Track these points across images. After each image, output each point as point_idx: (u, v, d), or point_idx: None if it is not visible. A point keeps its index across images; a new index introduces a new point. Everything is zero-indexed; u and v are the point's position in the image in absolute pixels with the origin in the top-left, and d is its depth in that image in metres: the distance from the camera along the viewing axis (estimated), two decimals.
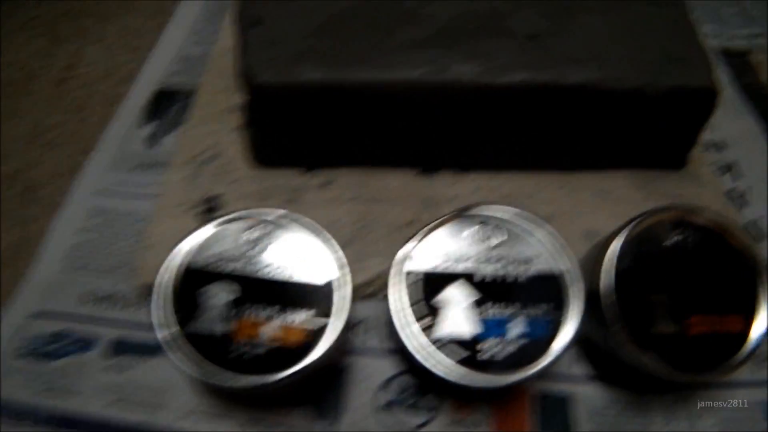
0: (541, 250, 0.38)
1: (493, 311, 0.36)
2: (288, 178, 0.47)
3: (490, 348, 0.35)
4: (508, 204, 0.44)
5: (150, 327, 0.42)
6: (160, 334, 0.35)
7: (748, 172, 0.54)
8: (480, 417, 0.40)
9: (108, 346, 0.43)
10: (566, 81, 0.43)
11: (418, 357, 0.35)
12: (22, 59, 0.61)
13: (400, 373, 0.41)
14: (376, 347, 0.42)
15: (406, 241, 0.38)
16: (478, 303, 0.36)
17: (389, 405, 0.40)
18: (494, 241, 0.38)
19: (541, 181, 0.48)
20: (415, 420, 0.40)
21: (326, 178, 0.47)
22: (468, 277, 0.37)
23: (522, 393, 0.41)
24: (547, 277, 0.37)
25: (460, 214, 0.39)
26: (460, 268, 0.37)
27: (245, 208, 0.39)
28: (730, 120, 0.58)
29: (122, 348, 0.43)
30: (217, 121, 0.51)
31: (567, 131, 0.46)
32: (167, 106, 0.56)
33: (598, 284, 0.38)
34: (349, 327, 0.40)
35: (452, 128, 0.45)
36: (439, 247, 0.38)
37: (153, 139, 0.53)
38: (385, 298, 0.44)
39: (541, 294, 0.37)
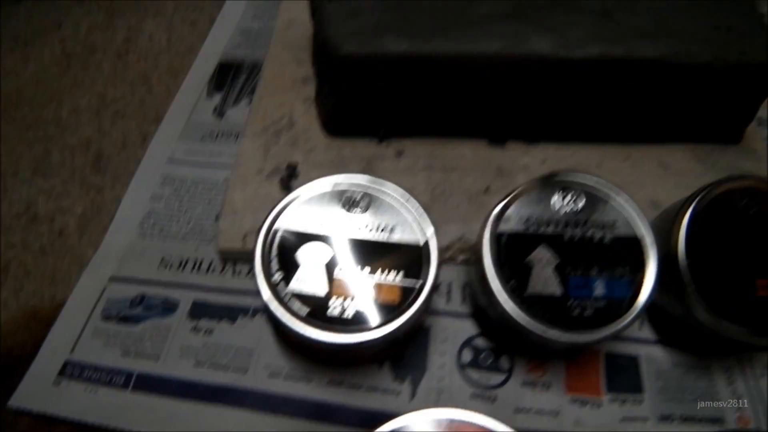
0: (620, 216, 0.39)
1: (578, 272, 0.37)
2: (362, 148, 0.48)
3: (576, 307, 0.37)
4: None
5: (232, 291, 0.44)
6: (265, 294, 0.36)
7: None
8: (553, 377, 0.41)
9: (190, 309, 0.43)
10: (638, 55, 0.44)
11: (512, 314, 0.36)
12: (81, 33, 0.62)
13: (478, 335, 0.42)
14: (454, 310, 0.43)
15: (497, 204, 0.39)
16: (564, 264, 0.38)
17: (468, 365, 0.41)
18: (577, 206, 0.39)
19: (607, 152, 0.49)
20: (493, 380, 0.41)
21: (399, 147, 0.48)
22: (554, 240, 0.38)
23: (594, 354, 0.43)
24: (626, 242, 0.38)
25: (545, 180, 0.40)
26: (548, 230, 0.38)
27: (332, 175, 0.40)
28: None
29: (204, 311, 0.43)
30: (288, 92, 0.51)
31: (634, 104, 0.47)
32: (233, 77, 0.56)
33: (671, 249, 0.39)
34: (435, 289, 0.41)
35: (525, 100, 0.46)
36: (526, 211, 0.39)
37: (221, 109, 0.54)
38: (463, 262, 0.45)
39: (620, 257, 0.38)
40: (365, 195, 0.39)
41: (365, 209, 0.38)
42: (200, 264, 0.45)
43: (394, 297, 0.36)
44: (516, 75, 0.44)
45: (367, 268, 0.37)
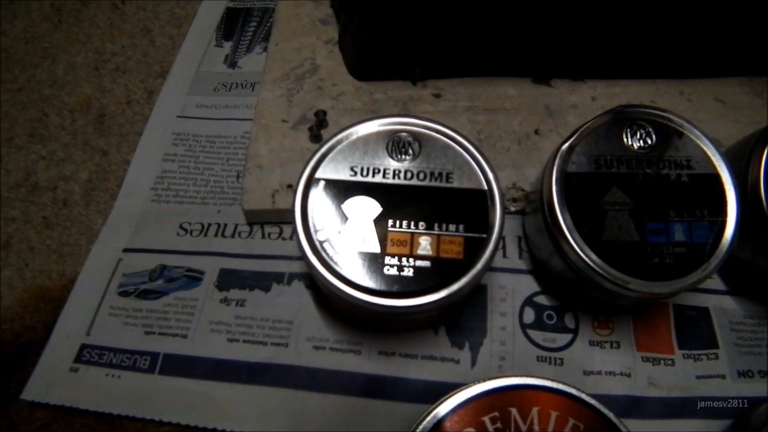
0: (695, 153, 0.33)
1: (655, 216, 0.31)
2: (395, 90, 0.41)
3: (656, 254, 0.30)
4: None
5: (263, 256, 0.37)
6: (308, 254, 0.29)
7: None
8: (622, 335, 0.35)
9: (217, 279, 0.36)
10: None
11: (590, 264, 0.30)
12: None
13: (539, 293, 0.36)
14: (512, 265, 0.36)
15: (563, 143, 0.32)
16: (639, 207, 0.31)
17: (531, 326, 0.35)
18: (650, 143, 0.33)
19: (659, 88, 0.42)
20: (559, 341, 0.34)
21: (436, 88, 0.41)
22: (627, 180, 0.32)
23: (663, 307, 0.37)
24: (704, 180, 0.32)
25: (615, 114, 0.33)
26: (620, 170, 0.32)
27: (377, 117, 0.33)
28: None
29: (233, 281, 0.36)
30: (307, 34, 0.44)
31: (686, 34, 0.40)
32: (244, 23, 0.48)
33: (751, 188, 0.33)
34: (500, 241, 0.35)
35: (571, 29, 0.39)
36: (595, 149, 0.32)
37: (233, 57, 0.46)
38: (517, 213, 0.38)
39: (699, 198, 0.32)
40: (414, 138, 0.32)
41: (416, 154, 0.31)
42: (224, 228, 0.38)
43: (457, 252, 0.29)
44: (560, 1, 0.37)
45: (423, 221, 0.30)
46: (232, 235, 0.37)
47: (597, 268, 0.30)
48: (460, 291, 0.28)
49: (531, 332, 0.34)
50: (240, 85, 0.44)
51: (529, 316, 0.35)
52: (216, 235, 0.37)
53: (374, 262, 0.28)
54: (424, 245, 0.29)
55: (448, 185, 0.31)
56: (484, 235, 0.30)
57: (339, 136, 0.31)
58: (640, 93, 0.42)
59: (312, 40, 0.43)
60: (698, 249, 0.30)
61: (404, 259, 0.29)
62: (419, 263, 0.29)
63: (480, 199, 0.30)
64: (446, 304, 0.29)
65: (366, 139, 0.32)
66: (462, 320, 0.34)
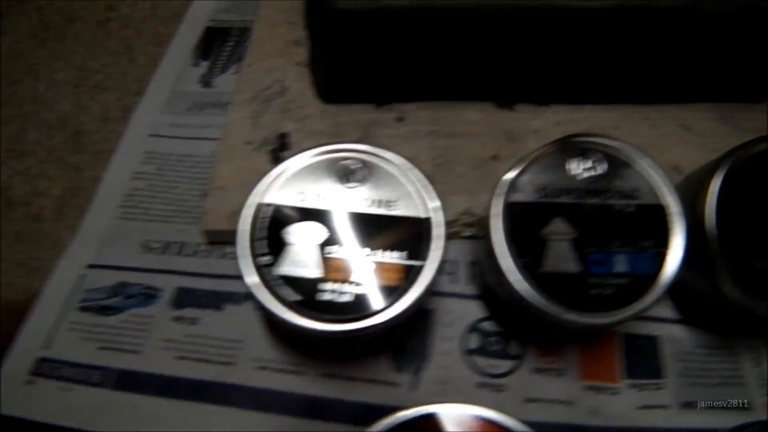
0: (643, 183, 0.33)
1: (598, 246, 0.31)
2: (359, 114, 0.41)
3: (596, 285, 0.30)
4: None
5: (219, 276, 0.38)
6: (248, 278, 0.30)
7: None
8: (567, 363, 0.35)
9: (173, 297, 0.37)
10: (661, 3, 0.37)
11: (525, 295, 0.30)
12: (60, 1, 0.54)
13: (486, 318, 0.36)
14: (460, 290, 0.37)
15: (507, 171, 0.33)
16: (582, 238, 0.31)
17: (475, 352, 0.35)
18: (596, 173, 0.33)
19: (624, 113, 0.42)
20: (502, 367, 0.34)
21: (400, 112, 0.41)
22: (572, 210, 0.32)
23: (612, 335, 0.36)
24: (650, 211, 0.32)
25: (562, 143, 0.33)
26: (565, 200, 0.32)
27: (326, 144, 0.33)
28: None
29: (189, 299, 0.36)
30: (280, 56, 0.44)
31: (653, 59, 0.40)
32: (221, 43, 0.49)
33: (699, 218, 0.33)
34: (440, 268, 0.35)
35: (535, 56, 0.39)
36: (541, 178, 0.33)
37: (208, 77, 0.47)
38: (470, 238, 0.39)
39: (644, 228, 0.32)
40: (363, 165, 0.32)
41: (363, 181, 0.32)
42: (185, 247, 0.39)
43: (396, 278, 0.29)
44: (525, 28, 0.37)
45: (366, 247, 0.30)
46: (192, 254, 0.38)
47: (532, 300, 0.30)
48: (396, 318, 0.29)
49: (474, 358, 0.34)
50: (213, 105, 0.44)
51: (474, 341, 0.35)
52: (177, 253, 0.38)
53: (315, 287, 0.29)
54: (365, 271, 0.30)
55: (391, 212, 0.31)
56: (424, 263, 0.30)
57: (290, 161, 0.32)
58: (605, 118, 0.42)
59: (283, 62, 0.44)
60: (640, 280, 0.30)
61: (344, 285, 0.29)
62: (357, 290, 0.29)
63: (421, 226, 0.31)
64: (384, 330, 0.29)
65: (316, 165, 0.32)
66: (406, 344, 0.35)
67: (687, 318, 0.37)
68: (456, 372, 0.34)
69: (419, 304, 0.29)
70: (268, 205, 0.31)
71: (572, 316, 0.30)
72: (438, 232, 0.31)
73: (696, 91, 0.43)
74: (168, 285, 0.37)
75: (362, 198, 0.31)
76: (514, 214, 0.32)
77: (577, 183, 0.33)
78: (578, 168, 0.33)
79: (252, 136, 0.40)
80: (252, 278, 0.29)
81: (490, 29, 0.37)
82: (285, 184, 0.31)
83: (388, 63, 0.39)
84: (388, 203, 0.31)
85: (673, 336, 0.36)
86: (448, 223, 0.36)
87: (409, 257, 0.30)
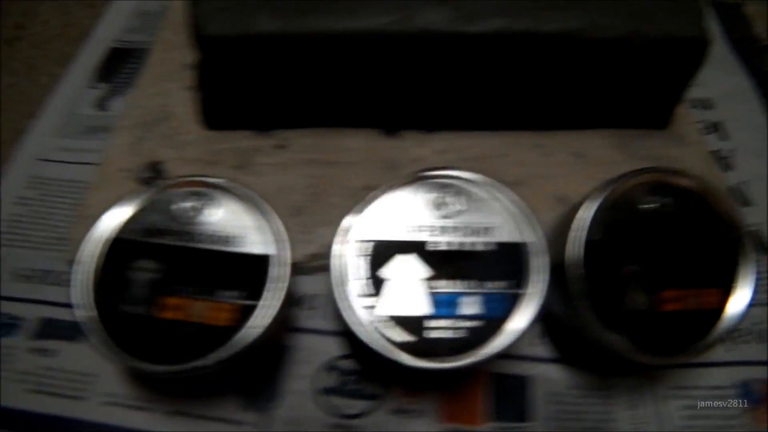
0: (504, 219, 0.32)
1: (446, 287, 0.30)
2: (239, 141, 0.40)
3: (439, 328, 0.29)
4: (477, 166, 0.38)
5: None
6: (79, 315, 0.29)
7: (735, 132, 0.47)
8: (428, 404, 0.34)
9: (36, 328, 0.36)
10: (545, 29, 0.36)
11: (361, 336, 0.29)
12: None
13: (345, 356, 0.35)
14: (321, 326, 0.36)
15: (354, 208, 0.32)
16: (430, 277, 0.30)
17: (330, 390, 0.34)
18: (452, 209, 0.32)
19: (515, 140, 0.41)
20: (358, 407, 0.34)
21: (281, 140, 0.40)
22: (420, 248, 0.31)
23: (476, 375, 0.35)
24: (508, 249, 0.31)
25: (416, 178, 0.32)
26: (413, 237, 0.31)
27: (183, 176, 0.33)
28: (719, 76, 0.50)
29: (50, 330, 0.36)
30: (170, 80, 0.44)
31: (543, 86, 0.39)
32: (121, 65, 0.49)
33: (562, 257, 0.32)
34: (290, 304, 0.34)
35: (419, 83, 0.38)
36: (390, 214, 0.32)
37: (104, 100, 0.47)
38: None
39: (500, 268, 0.31)
40: (212, 199, 0.32)
41: (209, 217, 0.31)
42: (52, 276, 0.38)
43: (231, 317, 0.29)
44: (406, 54, 0.36)
45: (201, 286, 0.30)
46: (60, 284, 0.37)
47: (371, 345, 0.29)
48: (232, 354, 0.28)
49: (326, 398, 0.34)
50: (105, 130, 0.44)
51: (328, 380, 0.34)
52: (46, 282, 0.38)
53: (149, 325, 0.29)
54: (203, 310, 0.29)
55: (231, 252, 0.30)
56: (261, 301, 0.29)
57: (139, 195, 0.31)
58: (494, 145, 0.41)
59: (174, 87, 0.43)
60: (490, 324, 0.30)
61: (181, 321, 0.29)
62: (195, 327, 0.29)
63: (261, 266, 0.30)
64: (223, 367, 0.29)
65: (163, 199, 0.32)
66: (259, 378, 0.34)
67: (562, 357, 0.36)
68: (307, 412, 0.33)
69: (255, 343, 0.29)
70: (110, 239, 0.30)
71: (412, 362, 0.29)
72: (279, 271, 0.30)
73: (591, 118, 0.42)
74: (32, 315, 0.36)
75: (207, 234, 0.31)
76: (357, 252, 0.31)
77: (430, 219, 0.32)
78: (432, 203, 0.32)
79: (130, 163, 0.39)
80: (83, 316, 0.29)
81: (365, 56, 0.36)
82: (129, 218, 0.31)
83: (266, 89, 0.38)
84: (230, 239, 0.30)
85: (546, 376, 0.35)
86: (315, 256, 0.36)
87: (247, 296, 0.29)
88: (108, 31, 0.50)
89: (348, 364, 0.35)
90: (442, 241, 0.31)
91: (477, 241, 0.31)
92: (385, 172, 0.39)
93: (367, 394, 0.34)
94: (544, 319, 0.37)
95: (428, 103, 0.39)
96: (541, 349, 0.36)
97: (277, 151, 0.39)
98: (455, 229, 0.31)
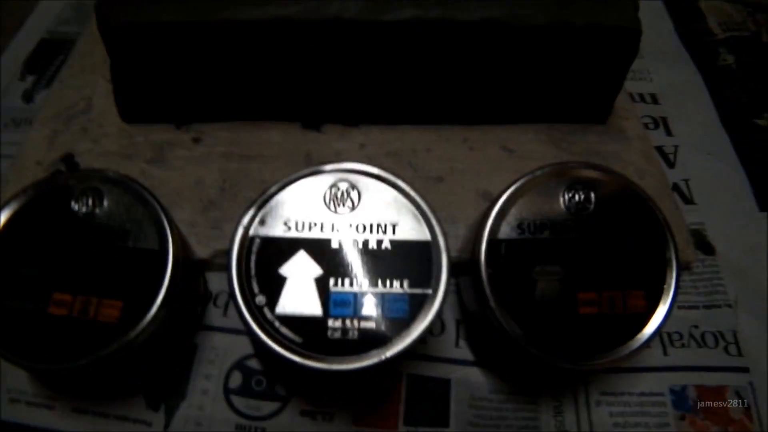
0: (406, 216, 0.30)
1: (346, 286, 0.29)
2: (156, 134, 0.39)
3: (338, 328, 0.28)
4: (398, 160, 0.37)
5: None
6: None
7: (680, 127, 0.45)
8: (336, 407, 0.32)
9: None
10: (462, 17, 0.34)
11: (258, 336, 0.28)
12: None
13: (252, 355, 0.34)
14: (231, 325, 0.35)
15: (251, 203, 0.30)
16: (329, 275, 0.29)
17: (239, 390, 0.33)
18: (351, 204, 0.31)
19: (441, 134, 0.40)
20: (265, 409, 0.32)
21: (198, 133, 0.39)
22: (319, 245, 0.30)
23: (393, 377, 0.34)
24: (410, 247, 0.30)
25: (315, 172, 0.31)
26: (313, 234, 0.30)
27: (75, 170, 0.32)
28: (668, 71, 0.49)
29: None
30: (95, 72, 0.42)
31: (467, 78, 0.38)
32: (52, 56, 0.48)
33: (477, 255, 0.31)
34: (192, 301, 0.33)
35: (336, 74, 0.37)
36: (288, 211, 0.30)
37: (31, 92, 0.45)
38: None
39: (401, 267, 0.29)
40: (103, 194, 0.30)
41: (94, 211, 0.30)
42: None
43: (117, 314, 0.28)
44: (319, 44, 0.35)
45: (96, 278, 0.28)
46: None
47: (266, 344, 0.28)
48: (114, 358, 0.27)
49: (234, 398, 0.32)
50: (28, 122, 0.42)
51: (236, 380, 0.33)
52: None
53: (37, 319, 0.28)
54: (85, 307, 0.28)
55: (123, 244, 0.29)
56: (156, 296, 0.28)
57: (29, 191, 0.30)
58: (419, 139, 0.39)
59: (97, 79, 0.42)
60: (390, 324, 0.28)
61: (68, 317, 0.28)
62: (77, 326, 0.28)
63: (151, 260, 0.29)
64: (112, 365, 0.27)
65: (60, 192, 0.30)
66: (162, 381, 0.33)
67: (483, 360, 0.35)
68: (213, 413, 0.32)
69: (143, 341, 0.28)
70: None
71: (311, 362, 0.27)
72: (170, 267, 0.29)
73: (523, 111, 0.40)
74: None
75: (93, 230, 0.29)
76: (253, 248, 0.29)
77: (329, 215, 0.30)
78: (331, 199, 0.31)
79: (45, 157, 0.38)
80: None
81: (275, 46, 0.35)
82: (19, 214, 0.30)
83: (178, 80, 0.37)
84: (116, 237, 0.29)
85: (468, 379, 0.34)
86: (221, 252, 0.35)
87: (139, 291, 0.28)
88: (41, 22, 0.49)
89: (256, 363, 0.33)
90: (343, 238, 0.29)
91: (378, 239, 0.30)
92: (303, 166, 0.37)
93: (276, 395, 0.32)
94: (464, 320, 0.35)
95: (349, 95, 0.38)
96: (462, 352, 0.35)
97: (193, 145, 0.38)
98: (356, 226, 0.30)
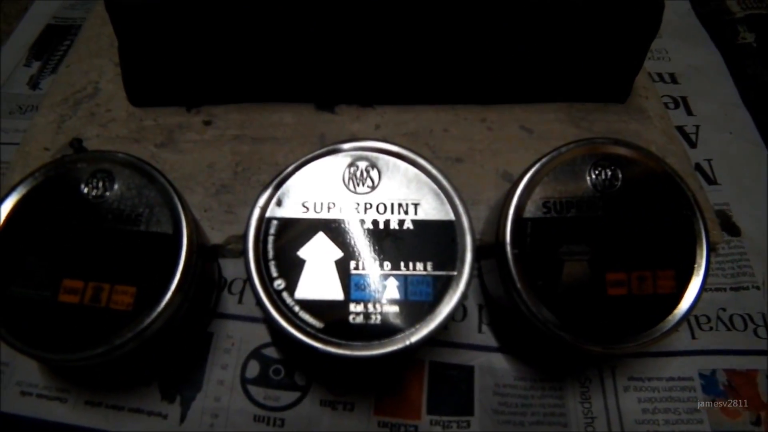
0: (428, 195, 0.29)
1: (367, 268, 0.27)
2: (166, 118, 0.37)
3: (359, 313, 0.26)
4: (415, 141, 0.35)
5: None
6: None
7: (701, 107, 0.43)
8: (360, 396, 0.31)
9: None
10: None
11: (277, 322, 0.26)
12: None
13: (270, 344, 0.32)
14: (248, 313, 0.33)
15: (267, 185, 0.29)
16: (349, 257, 0.27)
17: (254, 381, 0.31)
18: (372, 183, 0.29)
19: (458, 114, 0.38)
20: (284, 399, 0.31)
21: (208, 116, 0.37)
22: (338, 227, 0.28)
23: (411, 365, 0.32)
24: (433, 228, 0.28)
25: (333, 150, 0.29)
26: (331, 215, 0.28)
27: (83, 152, 0.30)
28: (687, 50, 0.47)
29: None
30: (102, 56, 0.41)
31: (486, 55, 0.36)
32: (58, 42, 0.46)
33: (502, 235, 0.29)
34: (207, 288, 0.32)
35: (349, 53, 0.35)
36: (305, 191, 0.29)
37: (37, 78, 0.44)
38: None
39: (424, 248, 0.27)
40: (114, 177, 0.29)
41: (105, 194, 0.28)
42: None
43: (130, 302, 0.26)
44: (332, 20, 0.33)
45: (111, 265, 0.27)
46: None
47: (286, 329, 0.26)
48: (129, 346, 0.26)
49: (252, 388, 0.31)
50: (35, 108, 0.41)
51: (254, 370, 0.31)
52: None
53: (48, 309, 0.26)
54: (97, 295, 0.26)
55: (136, 228, 0.27)
56: (170, 283, 0.27)
57: (34, 174, 0.29)
58: (436, 119, 0.38)
59: (104, 62, 0.40)
60: (413, 308, 0.26)
61: (77, 309, 0.26)
62: (88, 314, 0.26)
63: (165, 245, 0.27)
64: (125, 358, 0.26)
65: (70, 176, 0.29)
66: (178, 371, 0.31)
67: (507, 346, 0.33)
68: (230, 403, 0.30)
69: (160, 329, 0.26)
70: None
71: (331, 349, 0.26)
72: (185, 253, 0.27)
73: (543, 90, 0.39)
74: None
75: (104, 214, 0.28)
76: (270, 231, 0.28)
77: (347, 195, 0.29)
78: (349, 178, 0.29)
79: (52, 142, 0.37)
80: None
81: (283, 18, 0.33)
82: (27, 197, 0.28)
83: (187, 60, 0.35)
84: (134, 218, 0.28)
85: (492, 366, 0.32)
86: (236, 237, 0.33)
87: (146, 281, 0.26)
88: (46, 8, 0.48)
89: (274, 352, 0.32)
90: (363, 219, 0.28)
91: (400, 219, 0.28)
92: (317, 148, 0.35)
93: (295, 385, 0.31)
94: (487, 304, 0.34)
95: (363, 74, 0.36)
96: (485, 337, 0.33)
97: (204, 128, 0.37)
98: (376, 206, 0.28)
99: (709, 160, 0.40)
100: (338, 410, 0.30)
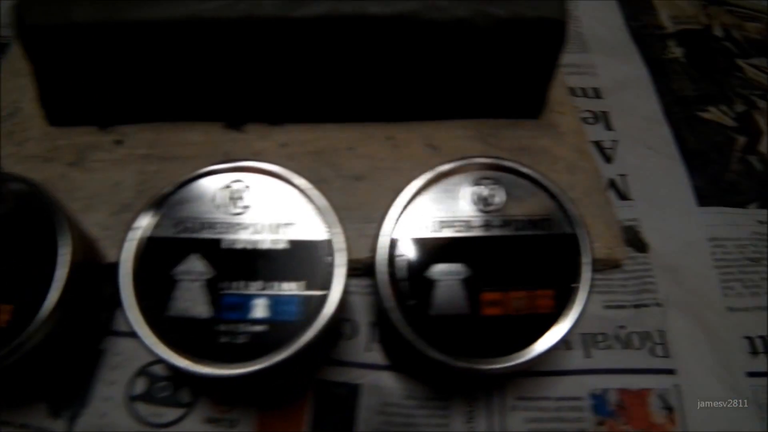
0: (303, 215, 0.29)
1: (234, 288, 0.27)
2: (79, 137, 0.38)
3: (227, 332, 0.27)
4: (319, 160, 0.35)
5: None
6: None
7: (620, 122, 0.43)
8: (241, 413, 0.31)
9: None
10: (373, 12, 0.33)
11: (146, 340, 0.27)
12: None
13: (158, 361, 0.33)
14: None
15: (145, 205, 0.29)
16: (220, 277, 0.28)
17: (142, 397, 0.31)
18: (245, 204, 0.29)
19: (365, 132, 0.38)
20: (167, 416, 0.31)
21: (119, 135, 0.38)
22: (211, 246, 0.28)
23: (300, 382, 0.32)
24: (301, 248, 0.28)
25: (207, 173, 0.30)
26: (204, 235, 0.28)
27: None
28: (614, 65, 0.46)
29: None
30: (25, 75, 0.41)
31: (390, 74, 0.36)
32: None
33: (373, 255, 0.29)
34: (93, 306, 0.32)
35: (254, 73, 0.36)
36: (182, 211, 0.29)
37: None
38: None
39: (292, 268, 0.28)
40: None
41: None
42: None
43: (8, 319, 0.27)
44: (232, 43, 0.34)
45: None
46: None
47: (151, 348, 0.26)
48: (6, 359, 0.26)
49: (137, 405, 0.31)
50: None
51: (140, 386, 0.31)
52: None
53: None
54: None
55: (17, 247, 0.28)
56: (46, 299, 0.27)
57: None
58: (342, 138, 0.38)
59: (27, 82, 0.40)
60: (283, 327, 0.27)
61: None
62: None
63: (43, 262, 0.28)
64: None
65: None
66: (67, 384, 0.31)
67: (395, 365, 0.33)
68: (115, 420, 0.31)
69: (38, 346, 0.26)
70: None
71: (198, 368, 0.26)
72: (60, 271, 0.27)
73: (452, 107, 0.39)
74: None
75: None
76: (143, 250, 0.28)
77: (222, 215, 0.29)
78: (224, 199, 0.29)
79: None
80: None
81: (191, 45, 0.34)
82: None
83: (97, 82, 0.36)
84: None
85: (379, 384, 0.32)
86: None
87: (23, 298, 0.27)
88: None
89: (161, 369, 0.32)
90: (236, 239, 0.28)
91: (273, 239, 0.28)
92: None
93: (179, 402, 0.31)
94: (376, 323, 0.34)
95: (269, 94, 0.37)
96: (373, 356, 0.33)
97: (115, 147, 0.37)
98: (251, 226, 0.28)
99: (623, 176, 0.40)
100: (222, 427, 0.30)
